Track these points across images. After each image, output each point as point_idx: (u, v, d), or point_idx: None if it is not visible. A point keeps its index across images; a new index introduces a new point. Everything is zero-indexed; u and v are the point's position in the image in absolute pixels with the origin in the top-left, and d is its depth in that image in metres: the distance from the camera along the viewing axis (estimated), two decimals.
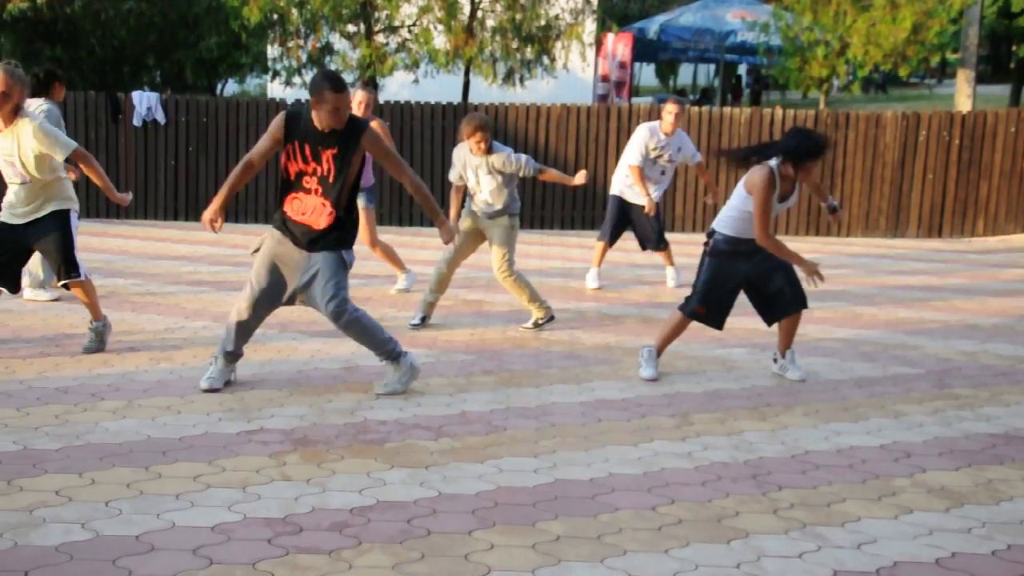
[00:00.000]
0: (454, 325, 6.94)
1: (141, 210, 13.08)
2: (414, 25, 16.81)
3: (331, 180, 4.97)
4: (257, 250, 5.21)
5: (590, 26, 17.73)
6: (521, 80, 17.42)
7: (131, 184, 12.91)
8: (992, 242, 12.67)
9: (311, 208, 5.02)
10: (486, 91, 17.47)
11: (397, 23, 16.97)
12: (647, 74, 37.41)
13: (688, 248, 10.03)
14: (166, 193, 13.22)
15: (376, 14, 16.72)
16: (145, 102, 12.98)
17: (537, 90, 18.67)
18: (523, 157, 6.76)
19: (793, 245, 12.38)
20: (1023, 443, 4.65)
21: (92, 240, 10.32)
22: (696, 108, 13.47)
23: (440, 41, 16.39)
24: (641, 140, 8.41)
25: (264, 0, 15.60)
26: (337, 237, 5.05)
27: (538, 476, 4.01)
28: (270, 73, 19.40)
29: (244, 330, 5.20)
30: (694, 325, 5.78)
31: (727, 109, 13.29)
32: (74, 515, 3.48)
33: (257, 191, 13.23)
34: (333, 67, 17.70)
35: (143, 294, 7.81)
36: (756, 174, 5.40)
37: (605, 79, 21.09)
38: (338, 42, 17.46)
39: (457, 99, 15.81)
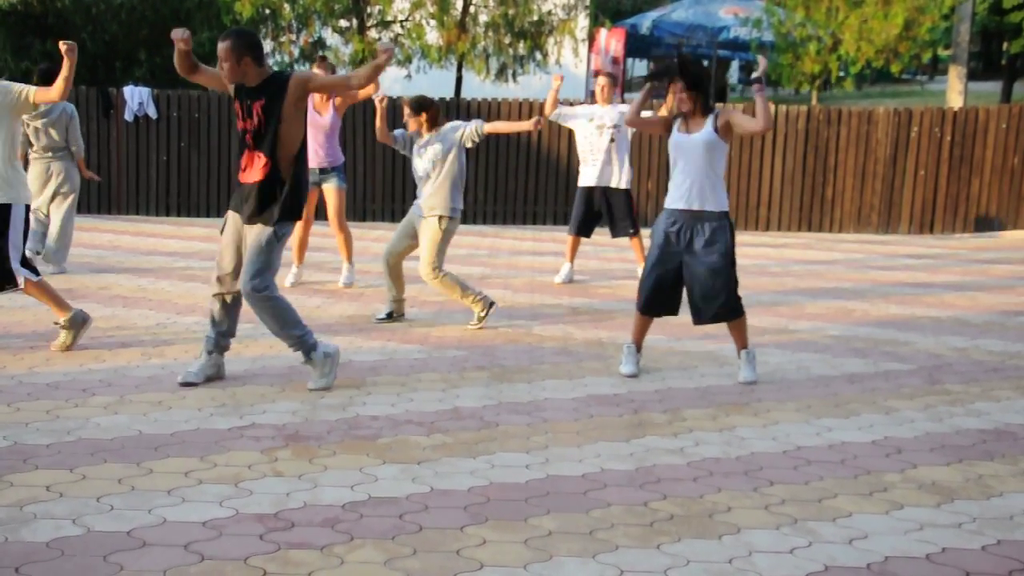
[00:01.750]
0: (446, 321, 6.94)
1: (133, 205, 13.05)
2: (407, 20, 16.79)
3: (262, 131, 5.00)
4: (223, 229, 5.24)
5: (583, 21, 17.75)
6: (514, 76, 17.42)
7: (123, 179, 12.88)
8: (983, 238, 12.71)
9: (250, 163, 5.05)
10: (479, 86, 17.46)
11: (390, 18, 16.95)
12: (640, 69, 37.42)
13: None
14: (158, 188, 13.19)
15: (369, 9, 16.69)
16: (137, 97, 12.94)
17: (530, 86, 18.66)
18: (470, 123, 6.71)
19: (784, 240, 12.34)
20: (1013, 439, 4.66)
21: (83, 235, 10.28)
22: None
23: (433, 36, 16.38)
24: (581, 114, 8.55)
25: None
26: (271, 207, 5.00)
27: (530, 472, 4.02)
28: None
29: (220, 314, 5.22)
30: (685, 321, 5.79)
31: (719, 105, 13.29)
32: (65, 511, 3.47)
33: None
34: None
35: (135, 289, 7.79)
36: None
37: (597, 74, 21.08)
38: (330, 37, 17.44)
39: (450, 94, 15.80)
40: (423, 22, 16.44)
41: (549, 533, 3.42)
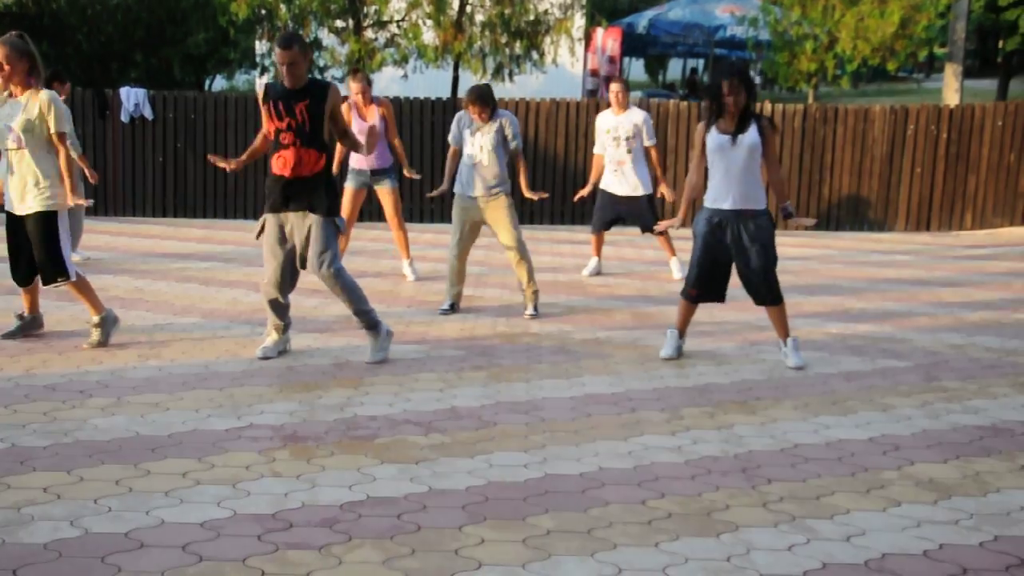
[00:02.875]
0: (444, 320, 6.94)
1: (129, 206, 13.04)
2: (403, 20, 16.79)
3: (309, 129, 5.47)
4: (260, 233, 5.68)
5: (579, 21, 17.75)
6: (510, 75, 17.41)
7: (119, 180, 12.87)
8: (980, 235, 12.73)
9: (298, 159, 5.47)
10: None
11: (386, 18, 16.95)
12: (636, 69, 37.44)
13: (684, 252, 10.05)
14: (154, 189, 13.18)
15: (365, 9, 16.68)
16: (132, 98, 12.92)
17: (526, 85, 18.66)
18: (517, 136, 7.08)
19: (781, 237, 12.34)
20: (1010, 435, 4.67)
21: (81, 237, 10.26)
22: (684, 103, 13.48)
23: (429, 36, 16.38)
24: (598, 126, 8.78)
25: None
26: (324, 199, 5.51)
27: (528, 471, 4.02)
28: (258, 69, 19.34)
29: (278, 306, 5.73)
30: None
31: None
32: (63, 512, 3.47)
33: (245, 187, 13.19)
34: (322, 63, 17.66)
35: (131, 291, 7.78)
36: None
37: (594, 74, 21.09)
38: (326, 37, 17.43)
39: (446, 94, 15.79)
40: (419, 22, 16.43)
41: (547, 532, 3.42)
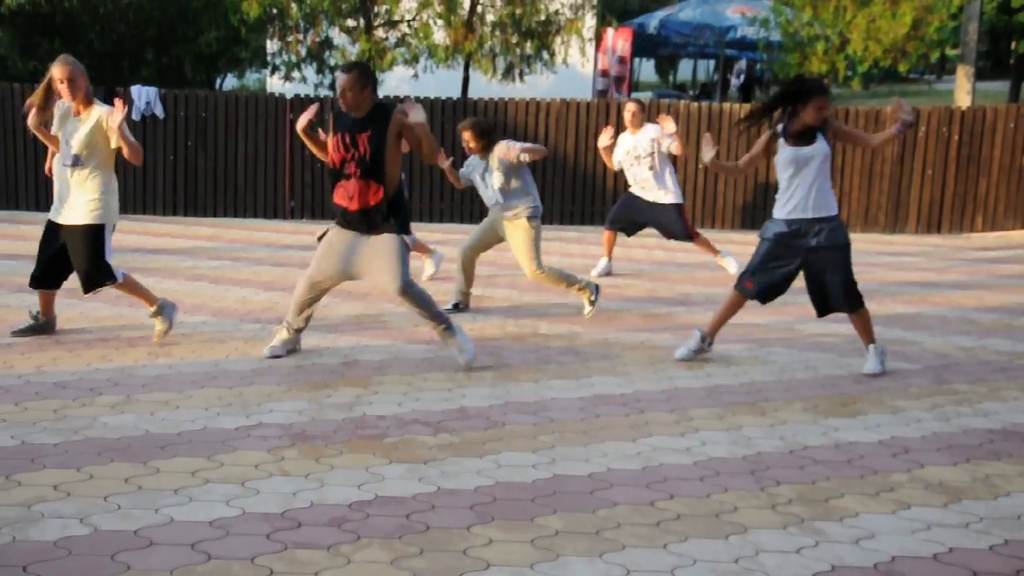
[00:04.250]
0: (454, 320, 6.93)
1: (140, 205, 13.08)
2: (414, 20, 16.79)
3: (370, 160, 5.41)
4: (321, 237, 5.72)
5: (590, 21, 17.72)
6: (521, 75, 17.41)
7: (129, 178, 12.90)
8: (991, 238, 12.67)
9: (358, 191, 5.45)
10: (486, 86, 17.47)
11: (397, 18, 16.96)
12: (647, 69, 37.40)
13: (693, 254, 10.02)
14: (165, 188, 13.22)
15: (376, 8, 16.70)
16: (144, 96, 12.96)
17: (537, 85, 18.66)
18: (514, 147, 7.03)
19: None
20: (1021, 438, 4.65)
21: None
22: (695, 104, 13.46)
23: (440, 36, 16.38)
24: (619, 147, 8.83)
25: None
26: (390, 222, 5.51)
27: (537, 471, 4.02)
28: (269, 68, 19.37)
29: (306, 306, 5.75)
30: (693, 320, 5.78)
31: (726, 104, 13.29)
32: (72, 510, 3.48)
33: (255, 186, 13.22)
34: (332, 62, 17.68)
35: None
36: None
37: (605, 74, 21.06)
38: (337, 37, 17.44)
39: (457, 94, 15.80)
40: (430, 22, 16.43)
41: (556, 533, 3.42)
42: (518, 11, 16.48)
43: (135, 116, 12.88)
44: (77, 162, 5.77)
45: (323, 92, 17.57)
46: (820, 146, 5.70)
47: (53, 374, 5.26)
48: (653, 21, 22.38)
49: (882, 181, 13.01)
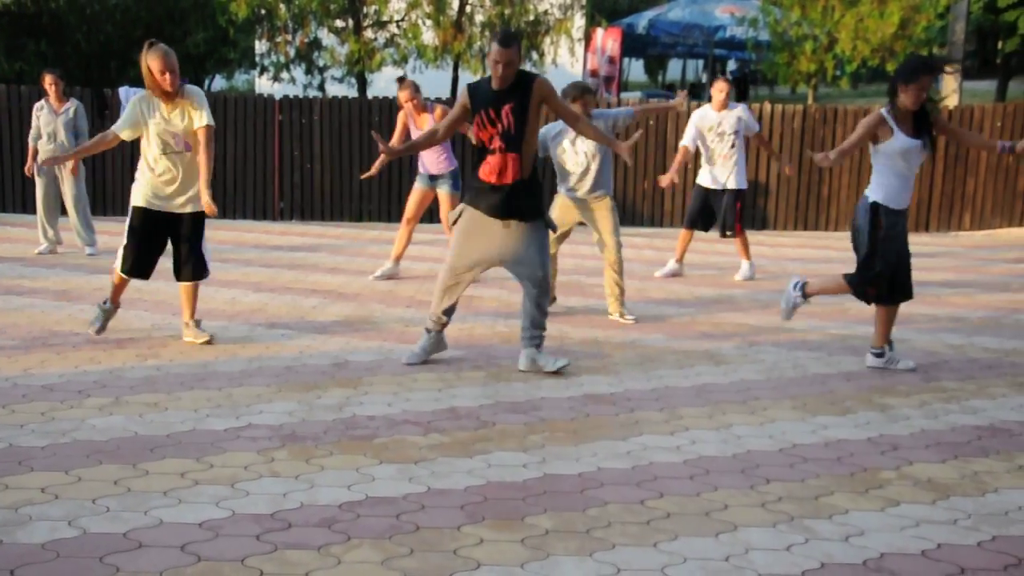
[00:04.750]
0: None
1: (127, 206, 13.02)
2: (402, 20, 16.78)
3: (514, 133, 5.31)
4: (455, 222, 5.64)
5: (579, 21, 17.74)
6: None
7: (117, 180, 12.86)
8: (978, 236, 12.73)
9: (505, 165, 5.34)
10: None
11: (385, 18, 16.93)
12: (636, 69, 37.45)
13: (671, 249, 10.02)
14: None
15: (364, 9, 16.67)
16: (131, 97, 12.90)
17: None
18: (617, 111, 7.00)
19: (780, 238, 12.29)
20: (1008, 435, 4.67)
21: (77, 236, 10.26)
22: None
23: (429, 36, 16.37)
24: (691, 121, 8.91)
25: None
26: (532, 204, 5.46)
27: (527, 471, 4.02)
28: (258, 68, 19.33)
29: (454, 294, 5.64)
30: (683, 319, 5.79)
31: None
32: (60, 513, 3.46)
33: (244, 187, 13.18)
34: (321, 62, 17.64)
35: (129, 290, 7.76)
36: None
37: (594, 74, 21.08)
38: (326, 37, 17.42)
39: (446, 94, 15.79)
40: (419, 22, 16.42)
41: (546, 532, 3.42)
42: (507, 11, 16.48)
43: None
44: (188, 148, 5.87)
45: (312, 93, 17.53)
46: (923, 137, 5.64)
47: (40, 376, 5.24)
48: (642, 21, 22.42)
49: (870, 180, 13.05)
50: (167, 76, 5.68)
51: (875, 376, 5.71)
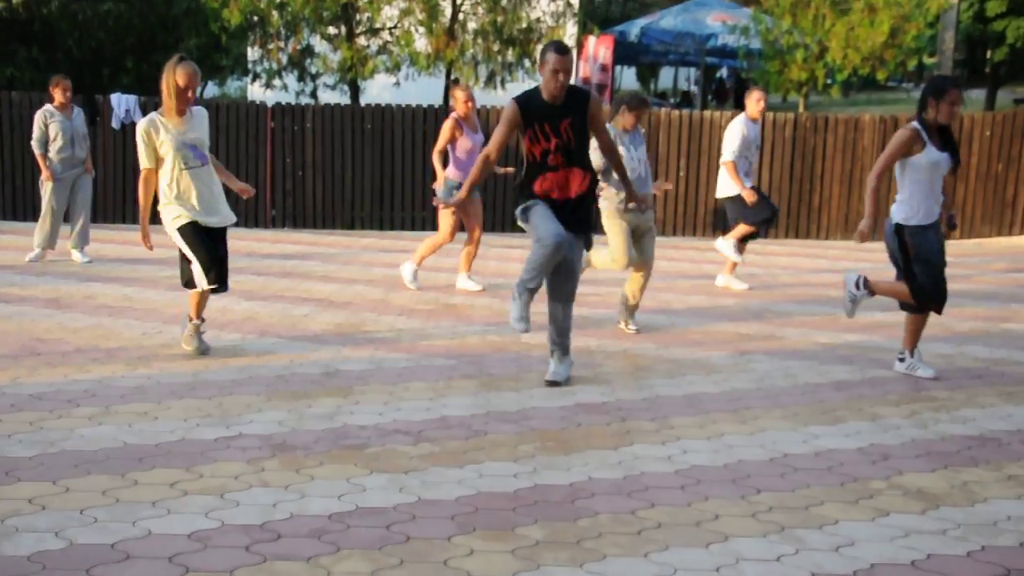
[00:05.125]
0: (434, 329, 6.93)
1: (120, 214, 12.99)
2: (395, 27, 16.78)
3: (575, 147, 5.30)
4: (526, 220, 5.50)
5: (571, 29, 17.76)
6: (503, 83, 17.42)
7: (109, 187, 12.83)
8: (968, 245, 12.77)
9: (568, 180, 5.32)
10: None
11: (378, 25, 16.94)
12: (628, 77, 37.52)
13: (675, 262, 10.05)
14: None
15: (357, 16, 16.68)
16: (123, 104, 12.89)
17: (519, 92, 18.64)
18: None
19: (772, 247, 12.28)
20: (998, 445, 4.68)
21: (69, 244, 10.23)
22: (676, 111, 13.51)
23: (421, 43, 16.37)
24: (737, 133, 8.81)
25: (244, 2, 15.53)
26: (588, 218, 5.49)
27: (518, 481, 4.01)
28: (250, 75, 19.31)
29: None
30: (675, 329, 5.78)
31: (707, 112, 13.34)
32: (48, 524, 3.45)
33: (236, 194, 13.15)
34: (314, 69, 17.63)
35: (120, 299, 7.76)
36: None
37: (586, 82, 21.10)
38: (319, 44, 17.41)
39: (439, 102, 15.80)
40: (412, 29, 16.42)
41: (536, 543, 3.42)
42: (500, 19, 16.50)
43: (114, 124, 12.80)
44: (205, 161, 5.91)
45: (304, 100, 17.52)
46: (950, 151, 5.75)
47: (29, 386, 5.21)
48: (634, 29, 22.46)
49: (861, 189, 13.08)
50: (191, 93, 5.74)
51: (865, 386, 5.72)
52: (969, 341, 6.98)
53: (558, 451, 4.40)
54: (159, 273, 9.01)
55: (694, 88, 28.92)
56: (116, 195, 12.97)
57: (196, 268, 5.85)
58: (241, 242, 11.53)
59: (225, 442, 4.39)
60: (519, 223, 5.53)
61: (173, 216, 5.90)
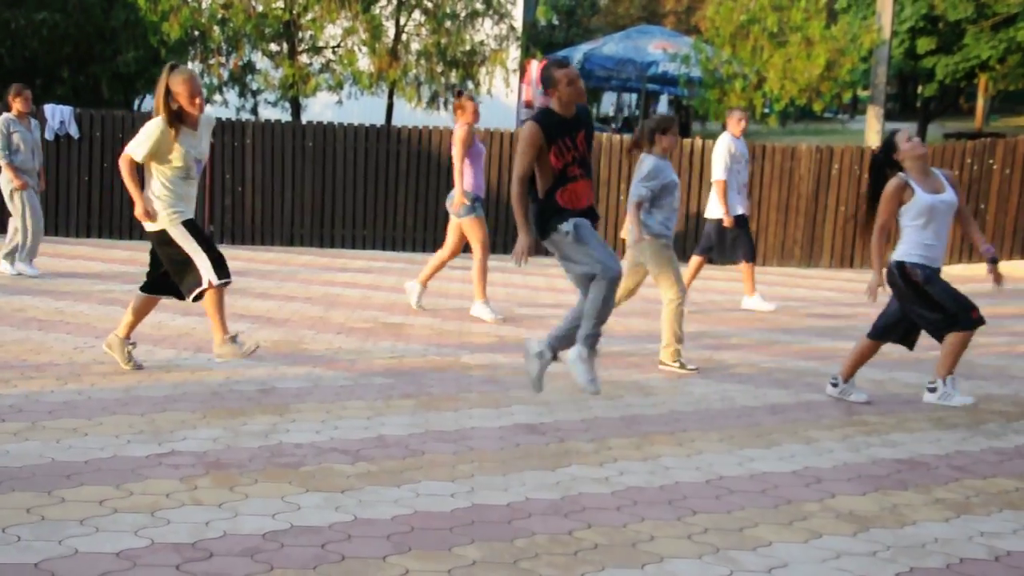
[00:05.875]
0: (373, 348, 6.88)
1: (52, 226, 12.69)
2: (338, 46, 16.73)
3: (587, 159, 5.41)
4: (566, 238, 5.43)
5: (514, 52, 17.88)
6: (445, 104, 17.45)
7: (42, 199, 12.52)
8: None
9: (586, 190, 5.39)
10: (410, 114, 17.47)
11: (321, 44, 16.87)
12: None
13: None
14: (79, 209, 12.88)
15: (300, 34, 16.59)
16: (58, 115, 12.64)
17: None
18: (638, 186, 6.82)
19: (709, 272, 12.44)
20: (927, 468, 4.79)
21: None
22: (618, 136, 13.66)
23: (364, 63, 16.34)
24: (724, 150, 8.99)
25: (185, 16, 15.35)
26: (596, 224, 5.52)
27: (455, 500, 3.99)
28: None
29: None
30: (613, 351, 5.79)
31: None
32: None
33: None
34: (255, 86, 17.48)
35: (51, 312, 7.57)
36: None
37: (528, 105, 21.27)
38: (260, 61, 17.27)
39: (380, 121, 15.77)
40: (355, 48, 16.39)
41: (473, 563, 3.40)
42: (443, 40, 16.55)
43: (48, 135, 12.53)
44: (198, 174, 5.77)
45: (245, 116, 17.35)
46: (954, 194, 5.85)
47: None
48: (577, 55, 22.70)
49: (798, 216, 13.35)
50: (198, 101, 5.46)
51: (800, 409, 5.82)
52: (900, 367, 7.14)
53: (496, 471, 4.39)
54: (93, 287, 8.82)
55: (636, 113, 29.26)
56: (49, 207, 12.68)
57: (204, 263, 5.56)
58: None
59: (157, 459, 4.30)
60: (553, 242, 5.33)
61: (174, 212, 5.63)
